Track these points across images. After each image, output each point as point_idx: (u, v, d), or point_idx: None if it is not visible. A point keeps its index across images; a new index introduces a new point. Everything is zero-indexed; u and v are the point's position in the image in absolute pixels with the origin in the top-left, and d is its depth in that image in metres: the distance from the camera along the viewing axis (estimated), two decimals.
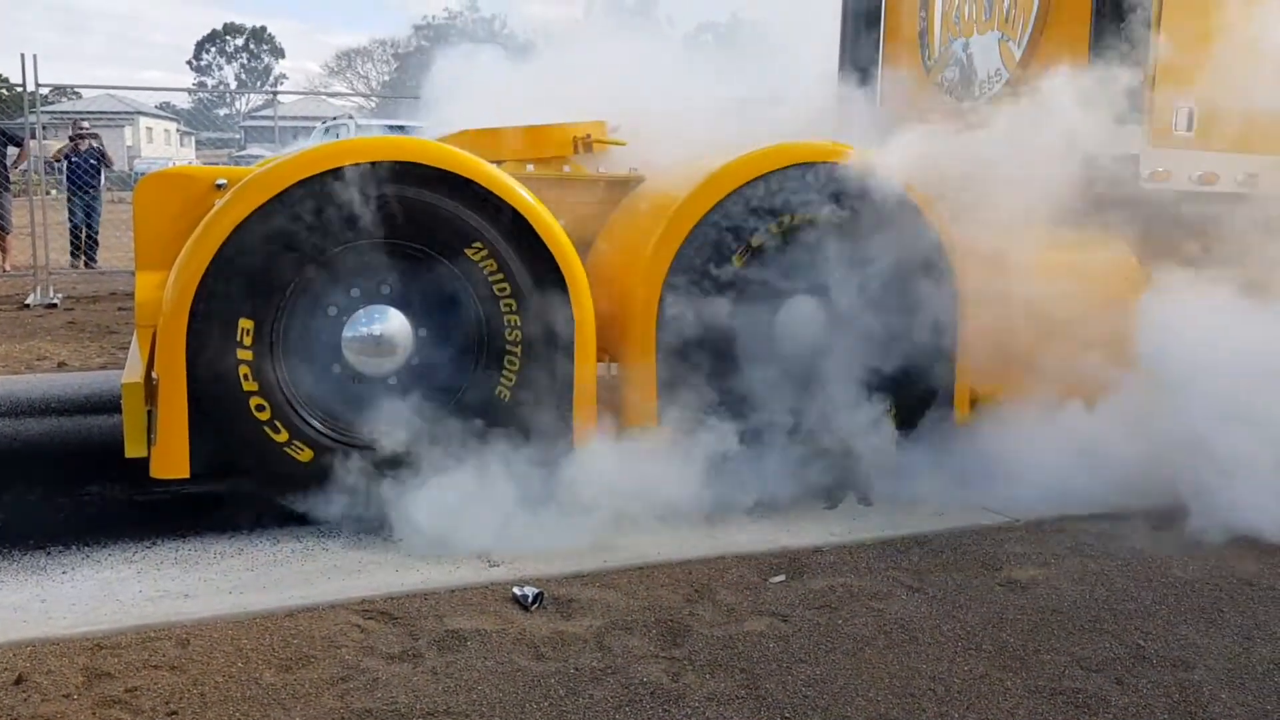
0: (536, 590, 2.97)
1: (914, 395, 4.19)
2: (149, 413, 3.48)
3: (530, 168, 4.49)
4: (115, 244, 12.65)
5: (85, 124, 13.34)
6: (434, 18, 55.91)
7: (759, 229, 4.00)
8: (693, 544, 3.44)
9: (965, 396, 4.26)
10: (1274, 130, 5.02)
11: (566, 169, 4.56)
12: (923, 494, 3.88)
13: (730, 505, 3.69)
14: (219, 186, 3.93)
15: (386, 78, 53.56)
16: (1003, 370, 4.19)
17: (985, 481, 3.93)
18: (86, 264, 12.26)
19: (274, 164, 3.61)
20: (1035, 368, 4.11)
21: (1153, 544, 3.53)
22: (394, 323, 3.73)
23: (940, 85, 5.80)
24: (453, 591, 3.01)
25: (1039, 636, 2.84)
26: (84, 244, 12.33)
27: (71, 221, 12.48)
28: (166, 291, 3.50)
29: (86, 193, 12.39)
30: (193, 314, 3.43)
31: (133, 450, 3.45)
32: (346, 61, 56.09)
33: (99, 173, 12.62)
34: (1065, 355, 4.09)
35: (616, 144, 4.73)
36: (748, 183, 3.98)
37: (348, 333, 3.70)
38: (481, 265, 3.68)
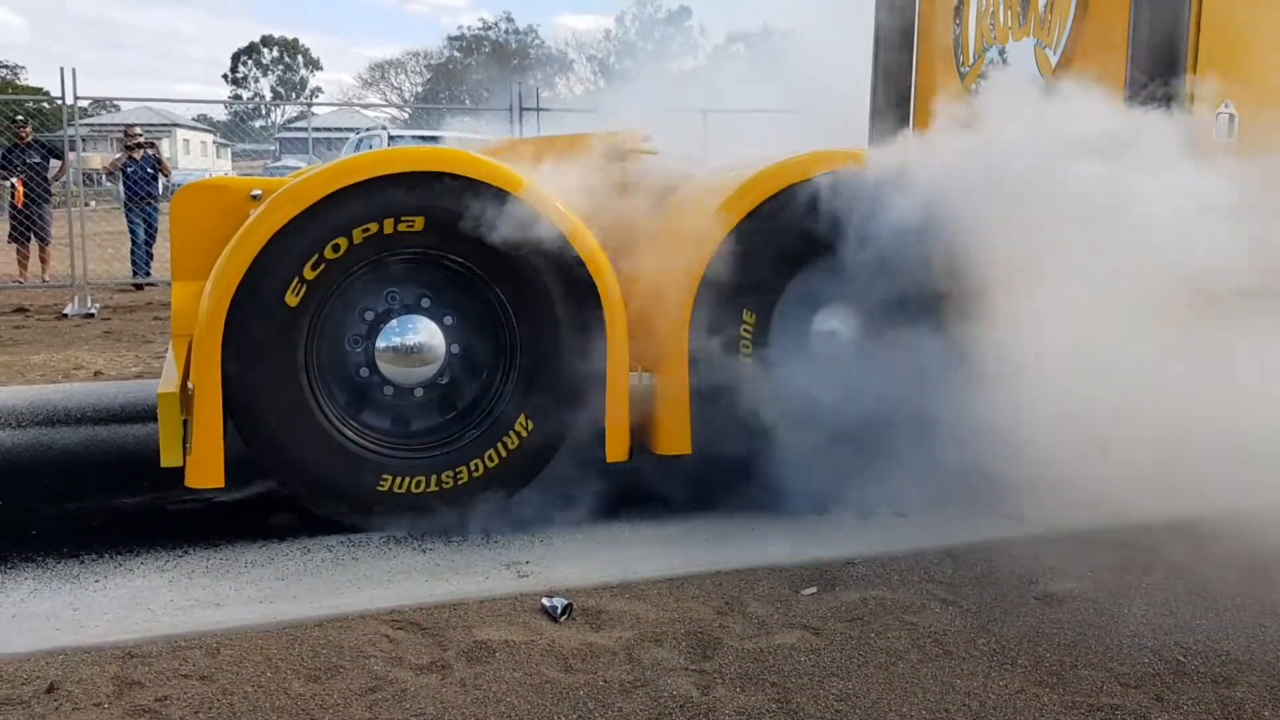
0: (565, 601, 2.96)
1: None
2: (184, 422, 3.52)
3: None
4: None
5: (138, 130, 12.70)
6: (469, 29, 56.37)
7: None
8: (724, 555, 3.41)
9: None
10: None
11: None
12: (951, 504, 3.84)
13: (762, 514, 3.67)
14: (254, 197, 3.97)
15: (420, 89, 54.02)
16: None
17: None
18: (141, 281, 11.77)
19: (307, 176, 3.63)
20: None
21: (1191, 557, 3.46)
22: (425, 333, 3.74)
23: (975, 93, 5.75)
24: (482, 602, 3.00)
25: (1076, 651, 2.79)
26: (143, 257, 11.76)
27: (133, 237, 11.75)
28: (202, 301, 3.53)
29: (146, 203, 11.85)
30: (228, 324, 3.46)
31: (168, 460, 3.48)
32: (380, 73, 56.62)
33: (156, 181, 12.08)
34: None
35: (649, 153, 4.73)
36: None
37: (381, 342, 3.72)
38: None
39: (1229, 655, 2.78)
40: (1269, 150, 4.84)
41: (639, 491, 3.83)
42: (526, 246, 3.65)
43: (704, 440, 3.89)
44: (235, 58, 68.02)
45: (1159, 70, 4.56)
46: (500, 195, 3.64)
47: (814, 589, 3.16)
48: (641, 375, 3.88)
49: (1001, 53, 5.54)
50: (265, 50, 68.28)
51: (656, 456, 3.88)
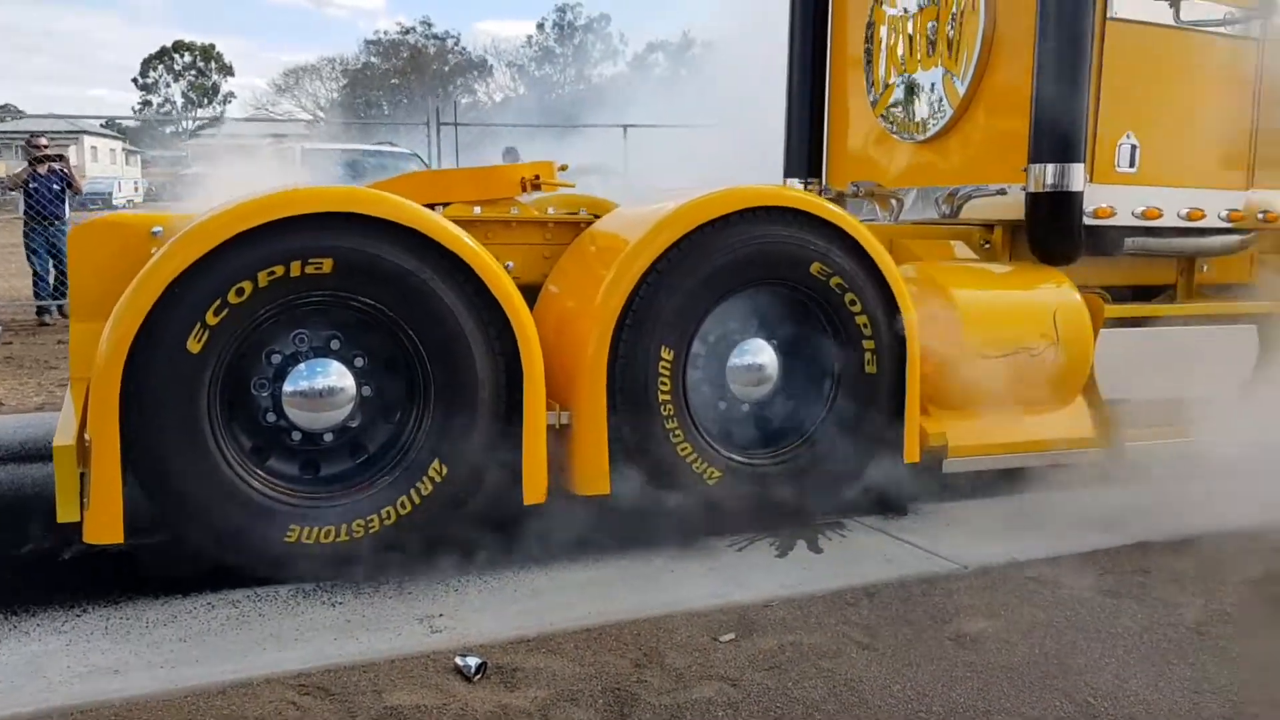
0: (479, 660, 2.90)
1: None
2: (81, 475, 3.38)
3: (478, 210, 4.44)
4: None
5: (44, 141, 11.30)
6: (386, 34, 55.64)
7: None
8: (642, 601, 3.38)
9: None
10: (1214, 164, 5.12)
11: (515, 211, 4.50)
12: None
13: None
14: (155, 234, 3.85)
15: (336, 95, 53.17)
16: None
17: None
18: (61, 312, 10.49)
19: (210, 217, 3.51)
20: None
21: (1098, 589, 3.54)
22: (334, 376, 3.65)
23: (886, 119, 5.82)
24: (393, 661, 2.93)
25: (989, 696, 2.82)
26: (54, 287, 10.54)
27: (32, 263, 10.50)
28: (100, 346, 3.40)
29: (51, 224, 10.54)
30: (127, 371, 3.33)
31: (65, 515, 3.34)
32: (294, 79, 55.57)
33: (64, 200, 10.74)
34: None
35: (565, 185, 4.70)
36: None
37: (288, 386, 3.62)
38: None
39: (1136, 695, 2.84)
40: (1169, 179, 5.02)
41: (557, 534, 3.78)
42: (439, 286, 3.59)
43: (623, 479, 3.87)
44: (146, 62, 66.26)
45: (1062, 103, 4.66)
46: (412, 235, 3.57)
47: (732, 635, 3.14)
48: (560, 414, 3.83)
49: (910, 81, 5.62)
50: (177, 56, 66.60)
51: (575, 497, 3.84)
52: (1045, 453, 4.63)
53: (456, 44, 57.85)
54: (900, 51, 5.69)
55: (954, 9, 5.30)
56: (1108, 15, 4.74)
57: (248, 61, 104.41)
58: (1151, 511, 4.32)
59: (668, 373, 3.91)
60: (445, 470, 3.64)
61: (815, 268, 4.09)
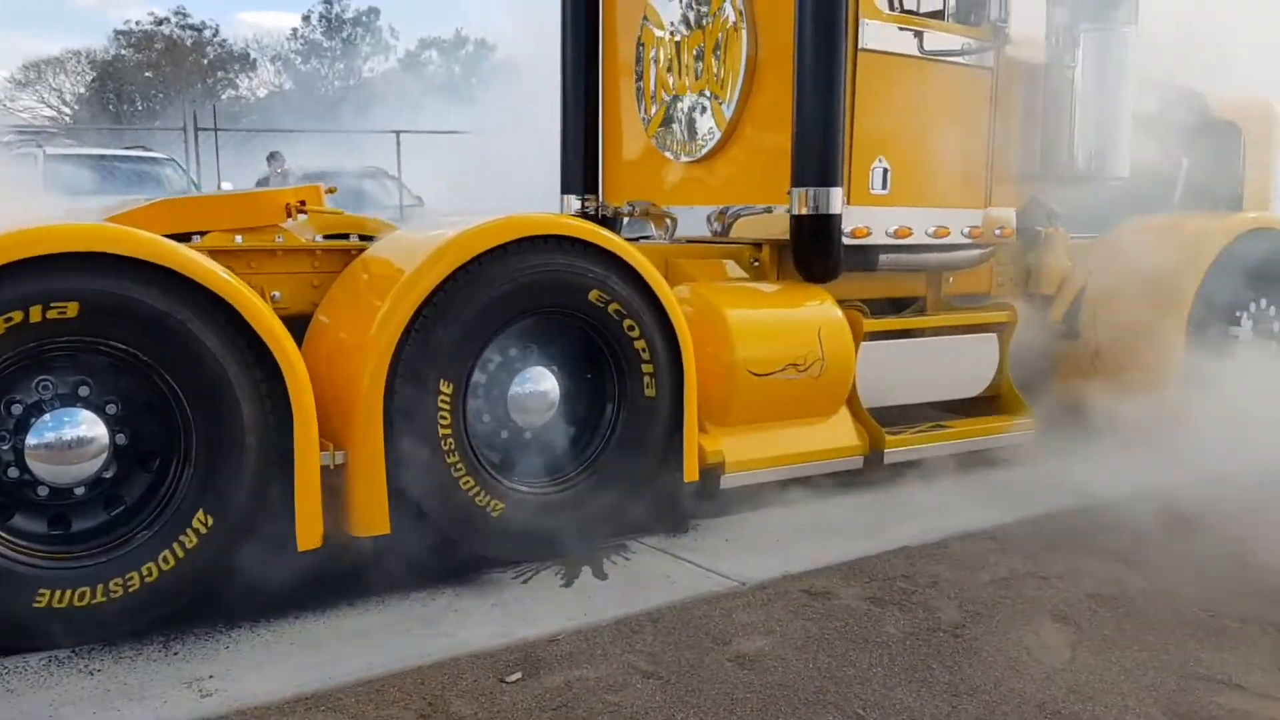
0: None
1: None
2: None
3: (239, 239, 4.23)
4: None
5: None
6: (137, 24, 52.08)
7: None
8: (426, 645, 3.32)
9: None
10: (957, 185, 5.51)
11: (280, 239, 4.32)
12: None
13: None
14: None
15: (83, 90, 49.43)
16: None
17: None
18: None
19: None
20: None
21: (865, 598, 3.74)
22: (84, 425, 3.39)
23: (658, 139, 5.94)
24: None
25: (768, 715, 2.93)
26: None
27: None
28: None
29: None
30: None
31: None
32: (36, 72, 51.26)
33: None
34: None
35: (330, 213, 4.54)
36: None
37: (31, 439, 3.34)
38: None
39: (901, 703, 3.02)
40: (918, 200, 5.36)
41: (335, 579, 3.66)
42: (197, 327, 3.40)
43: (404, 517, 3.79)
44: None
45: (820, 130, 4.90)
46: (166, 274, 3.36)
47: (519, 674, 3.14)
48: (334, 454, 3.71)
49: (679, 104, 5.76)
50: None
51: (354, 539, 3.73)
52: (815, 463, 4.86)
53: (215, 35, 54.88)
54: (669, 74, 5.83)
55: (719, 35, 5.47)
56: (859, 47, 5.02)
57: None
58: (910, 516, 4.62)
59: (447, 406, 3.86)
60: (211, 521, 3.46)
61: (594, 295, 4.13)
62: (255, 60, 54.77)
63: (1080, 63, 5.61)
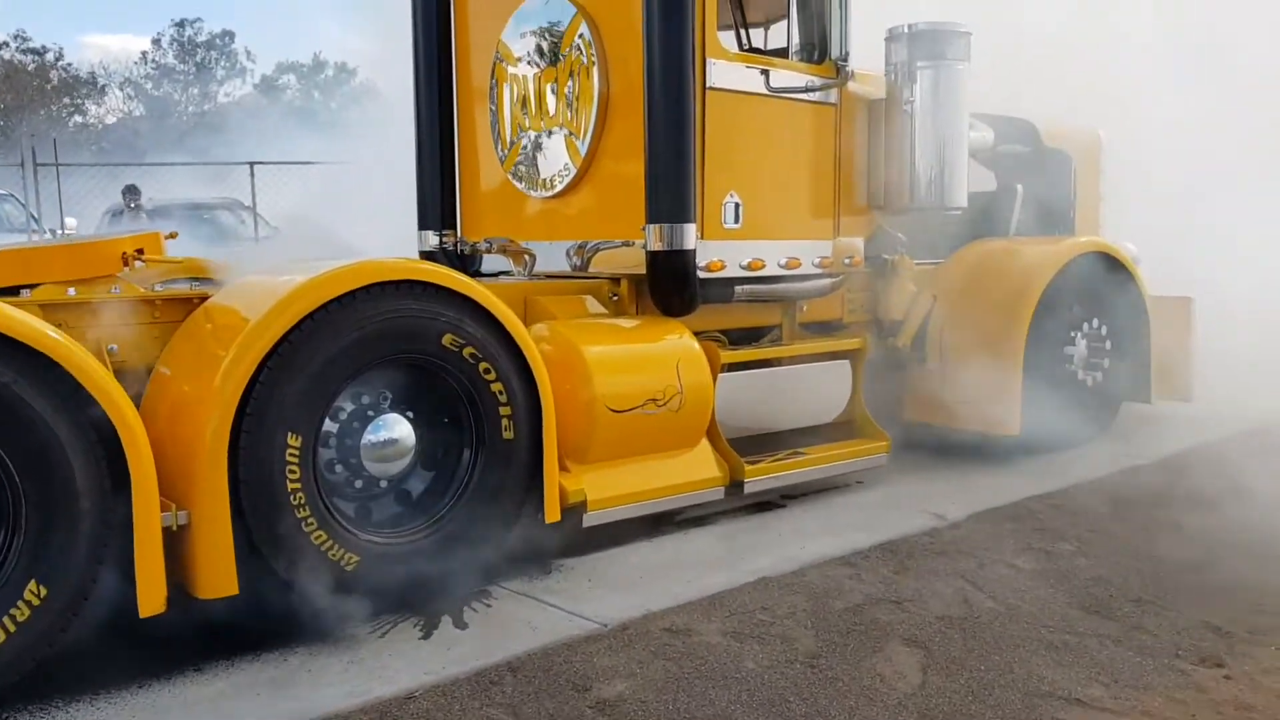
0: None
1: None
2: None
3: (72, 291, 4.06)
4: None
5: None
6: None
7: None
8: (275, 711, 3.22)
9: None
10: (806, 217, 5.67)
11: (116, 289, 4.15)
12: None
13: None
14: None
15: None
16: None
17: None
18: None
19: None
20: None
21: (724, 633, 3.79)
22: None
23: (515, 174, 5.94)
24: None
25: None
26: None
27: None
28: None
29: None
30: None
31: None
32: None
33: None
34: None
35: (170, 262, 4.39)
36: None
37: None
38: None
39: None
40: (770, 232, 5.49)
41: (181, 644, 3.52)
42: (24, 390, 3.23)
43: (252, 576, 3.68)
44: None
45: (672, 167, 4.98)
46: None
47: None
48: (177, 514, 3.57)
49: (535, 139, 5.78)
50: None
51: (199, 601, 3.60)
52: (677, 496, 4.90)
53: (59, 59, 52.48)
54: (524, 110, 5.83)
55: (571, 71, 5.51)
56: (706, 85, 5.12)
57: None
58: (770, 545, 4.71)
59: (296, 459, 3.76)
60: (45, 592, 3.28)
61: (448, 339, 4.09)
62: (105, 86, 52.58)
63: (918, 98, 5.85)
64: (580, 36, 5.44)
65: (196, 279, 4.47)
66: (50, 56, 52.22)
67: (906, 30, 5.92)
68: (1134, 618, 3.95)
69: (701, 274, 5.18)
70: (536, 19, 5.70)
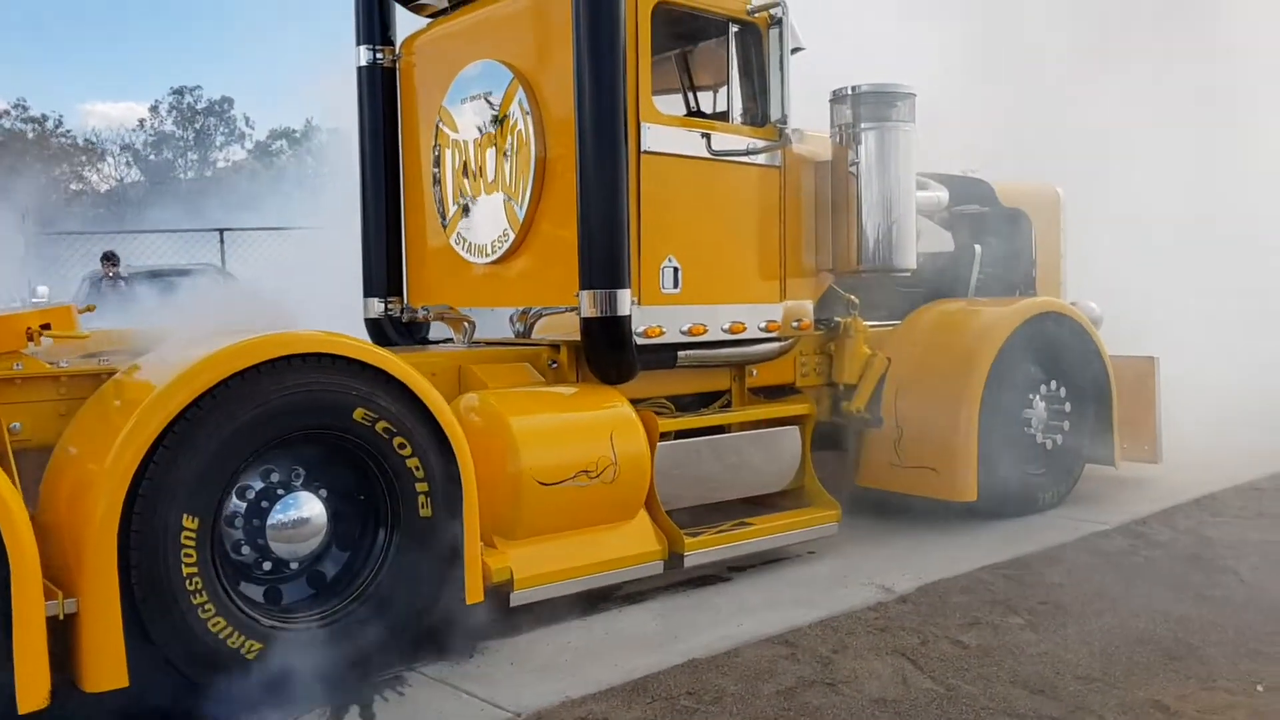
0: None
1: None
2: None
3: None
4: None
5: None
6: None
7: None
8: None
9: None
10: (751, 280, 5.56)
11: (19, 365, 4.02)
12: None
13: None
14: None
15: None
16: None
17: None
18: None
19: None
20: None
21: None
22: None
23: (457, 240, 5.84)
24: None
25: None
26: None
27: None
28: None
29: None
30: None
31: None
32: None
33: None
34: None
35: (78, 337, 4.27)
36: None
37: None
38: None
39: None
40: (712, 297, 5.37)
41: None
42: None
43: (145, 667, 3.50)
44: None
45: (605, 232, 4.88)
46: None
47: None
48: (64, 602, 3.41)
49: (475, 204, 5.68)
50: None
51: (87, 695, 3.42)
52: (611, 572, 4.72)
53: (58, 127, 52.95)
54: (465, 175, 5.75)
55: (510, 137, 5.43)
56: (641, 149, 5.04)
57: None
58: (706, 623, 4.52)
59: (192, 542, 3.60)
60: None
61: (359, 414, 3.95)
62: (104, 152, 52.96)
63: (863, 160, 5.77)
64: (517, 101, 5.37)
65: (106, 353, 4.37)
66: (50, 124, 52.69)
67: (851, 92, 5.86)
68: (1079, 697, 3.76)
69: (640, 340, 5.06)
70: (475, 85, 5.64)
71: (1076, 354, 6.35)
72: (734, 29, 5.47)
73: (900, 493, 5.97)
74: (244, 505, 3.89)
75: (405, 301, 6.33)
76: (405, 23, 6.40)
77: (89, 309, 4.52)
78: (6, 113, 52.57)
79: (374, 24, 6.26)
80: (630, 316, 4.95)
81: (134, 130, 53.03)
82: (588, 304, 4.91)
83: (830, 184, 5.89)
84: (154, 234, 15.67)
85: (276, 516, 3.90)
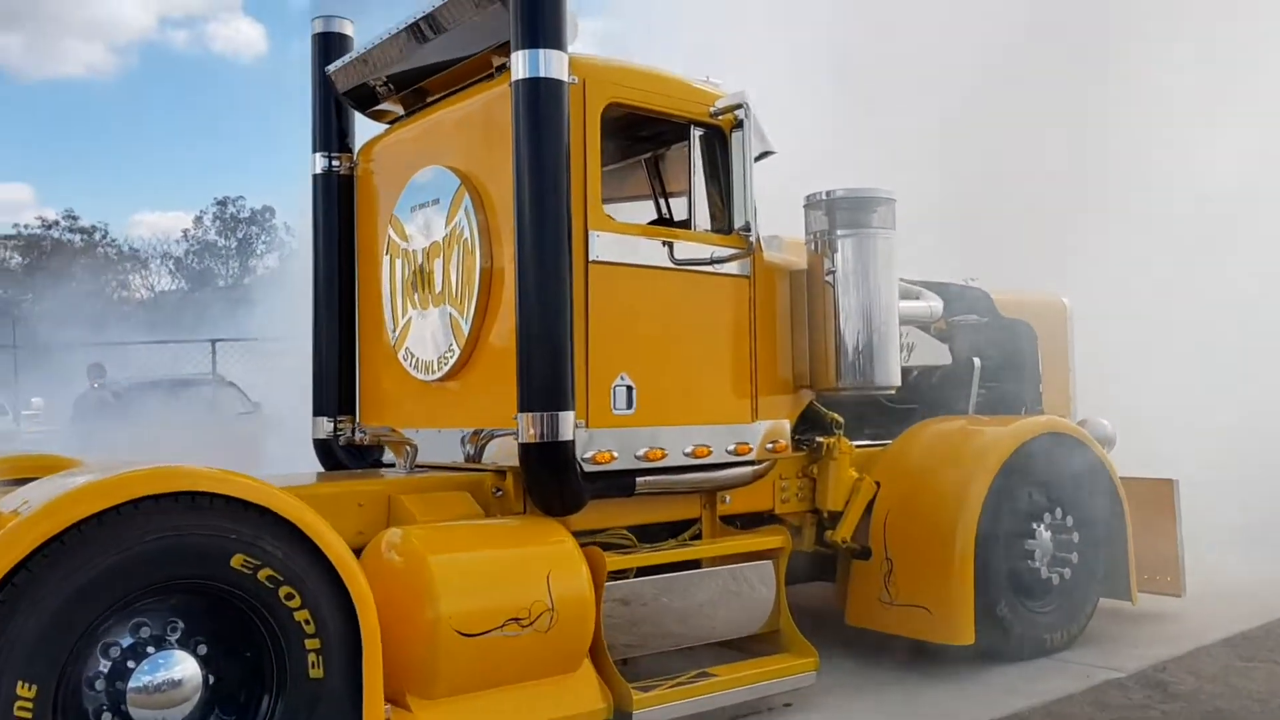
0: None
1: None
2: None
3: None
4: None
5: None
6: (25, 228, 51.06)
7: None
8: None
9: None
10: (717, 399, 5.08)
11: None
12: None
13: None
14: None
15: None
16: None
17: None
18: None
19: None
20: None
21: None
22: None
23: (405, 357, 5.43)
24: None
25: None
26: None
27: None
28: None
29: None
30: None
31: None
32: None
33: None
34: None
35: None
36: None
37: None
38: None
39: None
40: (671, 418, 4.89)
41: None
42: None
43: None
44: None
45: (545, 349, 4.45)
46: None
47: None
48: None
49: (422, 318, 5.29)
50: None
51: None
52: None
53: (105, 237, 54.15)
54: (415, 287, 5.38)
55: (456, 247, 5.06)
56: (589, 259, 4.64)
57: None
58: None
59: (29, 713, 3.12)
60: None
61: (238, 560, 3.50)
62: (148, 260, 53.99)
63: (839, 268, 5.33)
64: (464, 209, 5.01)
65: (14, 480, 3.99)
66: (97, 234, 53.95)
67: (825, 196, 5.44)
68: None
69: (587, 466, 4.58)
70: (425, 192, 5.29)
71: (1084, 478, 5.74)
72: (697, 132, 5.11)
73: (890, 633, 5.36)
74: (108, 665, 3.42)
75: (358, 420, 5.91)
76: (365, 129, 6.14)
77: None
78: (56, 223, 53.96)
79: (331, 131, 5.99)
80: (573, 441, 4.47)
81: (177, 241, 54.15)
82: (526, 427, 4.44)
83: (806, 294, 5.44)
84: (142, 345, 15.55)
85: (140, 679, 3.41)
